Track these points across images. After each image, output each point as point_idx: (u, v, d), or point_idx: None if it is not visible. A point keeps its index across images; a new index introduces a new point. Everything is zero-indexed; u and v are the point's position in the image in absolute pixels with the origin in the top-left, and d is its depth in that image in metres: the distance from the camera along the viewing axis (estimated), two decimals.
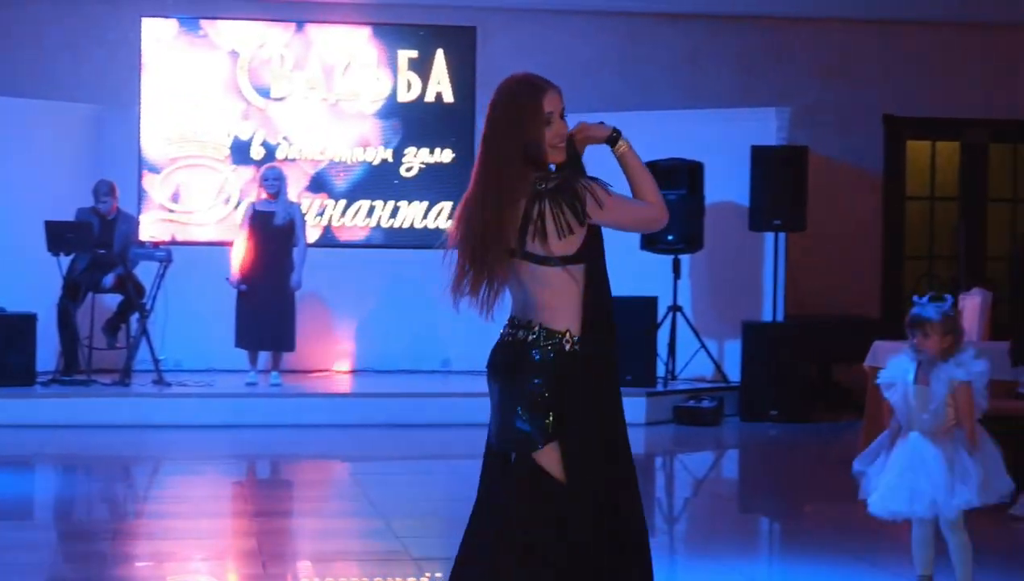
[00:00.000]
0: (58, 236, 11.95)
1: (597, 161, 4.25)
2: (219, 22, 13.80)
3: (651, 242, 12.53)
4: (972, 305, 9.57)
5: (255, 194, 12.80)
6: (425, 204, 14.07)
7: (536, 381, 3.97)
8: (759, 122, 13.09)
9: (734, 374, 12.74)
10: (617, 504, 4.05)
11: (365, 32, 14.04)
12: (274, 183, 12.40)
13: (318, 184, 13.96)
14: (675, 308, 12.68)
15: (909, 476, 5.71)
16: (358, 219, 13.99)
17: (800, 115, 13.43)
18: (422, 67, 14.13)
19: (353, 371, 13.83)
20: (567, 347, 3.99)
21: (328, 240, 13.85)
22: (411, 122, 14.08)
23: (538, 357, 3.99)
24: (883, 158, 14.74)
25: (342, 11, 14.07)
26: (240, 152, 13.82)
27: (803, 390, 12.45)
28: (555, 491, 3.99)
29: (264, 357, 12.53)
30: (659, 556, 5.36)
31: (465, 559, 4.09)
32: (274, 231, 12.32)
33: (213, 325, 13.01)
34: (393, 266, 13.89)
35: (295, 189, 13.44)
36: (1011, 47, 14.82)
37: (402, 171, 14.05)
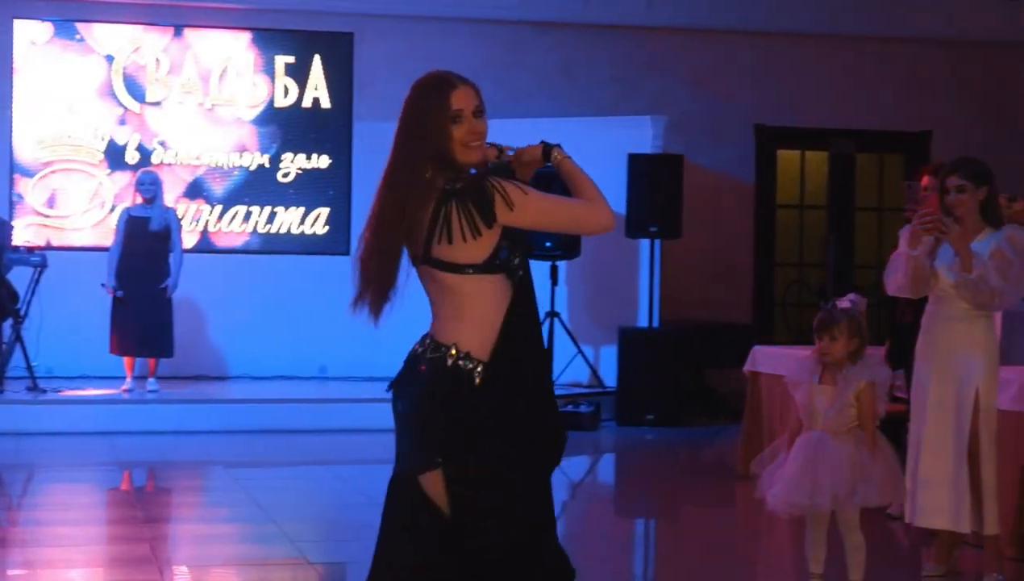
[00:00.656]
0: None
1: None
2: (95, 25, 13.66)
3: (528, 249, 12.59)
4: None
5: (131, 199, 12.69)
6: (302, 210, 14.05)
7: (408, 394, 3.78)
8: (634, 130, 13.26)
9: (610, 379, 12.89)
10: (515, 557, 3.76)
11: (242, 37, 13.99)
12: (150, 188, 12.29)
13: (194, 189, 13.88)
14: (552, 314, 12.80)
15: (811, 469, 5.85)
16: (235, 225, 13.93)
17: (674, 124, 13.63)
18: (299, 73, 14.12)
19: (230, 378, 13.77)
20: (448, 362, 3.72)
21: (205, 245, 13.77)
22: (288, 128, 14.06)
23: (413, 366, 3.78)
24: (754, 167, 15.02)
25: (219, 16, 14.00)
26: (115, 157, 13.69)
27: (678, 395, 12.64)
28: (435, 525, 3.74)
29: (141, 363, 12.42)
30: None
31: None
32: (150, 236, 12.21)
33: (88, 331, 12.87)
34: (270, 272, 13.86)
35: (171, 194, 13.35)
36: (877, 59, 15.18)
37: (279, 177, 14.02)
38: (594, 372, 13.10)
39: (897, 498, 6.11)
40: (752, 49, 14.93)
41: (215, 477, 9.81)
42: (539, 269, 12.61)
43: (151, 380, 12.28)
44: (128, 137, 13.71)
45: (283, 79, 14.07)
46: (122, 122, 13.70)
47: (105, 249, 12.54)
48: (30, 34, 13.52)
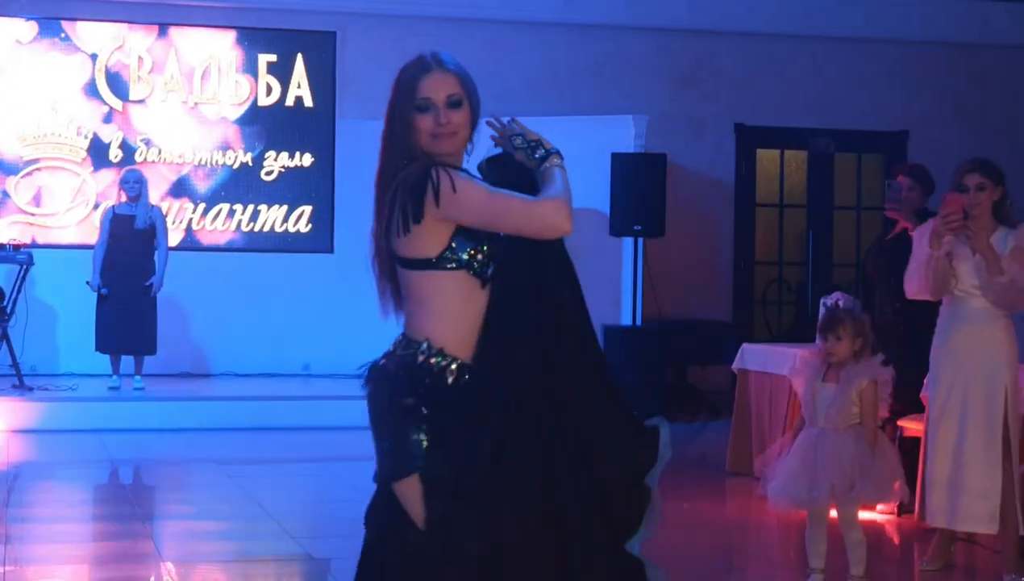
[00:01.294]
0: None
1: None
2: (79, 24, 13.66)
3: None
4: None
5: (115, 197, 12.70)
6: (285, 208, 14.08)
7: (374, 392, 3.53)
8: (616, 129, 13.33)
9: None
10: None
11: (226, 36, 14.01)
12: (135, 186, 12.29)
13: (178, 187, 13.89)
14: None
15: (810, 464, 5.93)
16: (218, 223, 13.95)
17: (654, 123, 13.70)
18: (282, 71, 14.14)
19: (214, 375, 13.78)
20: (420, 359, 3.49)
21: (189, 243, 13.79)
22: (271, 126, 14.08)
23: (384, 365, 3.55)
24: (734, 166, 15.12)
25: (203, 15, 14.01)
26: (99, 154, 13.69)
27: (662, 392, 12.71)
28: (408, 537, 3.48)
29: (126, 361, 12.42)
30: None
31: None
32: (135, 234, 12.21)
33: (72, 329, 12.88)
34: (254, 270, 13.89)
35: (155, 192, 13.35)
36: (856, 60, 15.30)
37: (262, 175, 14.05)
38: None
39: (896, 497, 6.18)
40: (732, 49, 15.03)
41: (209, 474, 9.82)
42: None
43: (136, 378, 12.29)
44: (112, 135, 13.72)
45: (266, 77, 14.10)
46: (106, 120, 13.71)
47: (89, 247, 12.54)
48: (14, 32, 13.51)
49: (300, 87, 14.18)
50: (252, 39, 14.07)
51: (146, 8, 13.85)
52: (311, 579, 6.82)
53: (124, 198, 12.31)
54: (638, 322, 13.01)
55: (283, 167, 14.08)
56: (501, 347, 3.51)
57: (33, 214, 13.59)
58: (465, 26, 14.46)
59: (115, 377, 12.30)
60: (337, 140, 14.13)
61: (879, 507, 7.73)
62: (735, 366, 9.65)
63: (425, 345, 3.49)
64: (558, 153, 3.71)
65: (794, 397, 8.74)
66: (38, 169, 13.60)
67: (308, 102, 14.19)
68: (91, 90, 13.68)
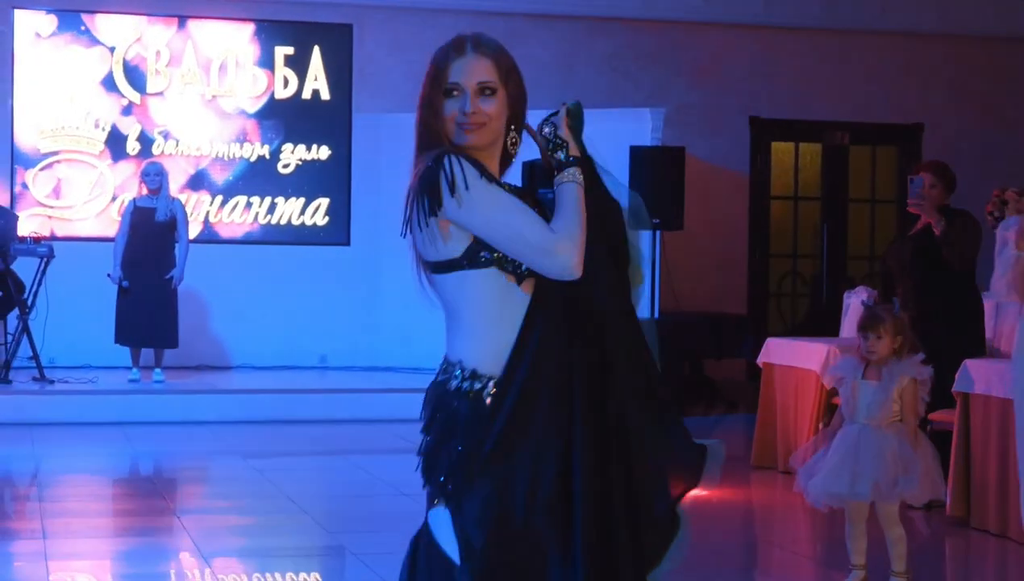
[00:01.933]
0: None
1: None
2: (98, 16, 13.68)
3: None
4: (857, 303, 9.93)
5: (134, 189, 12.72)
6: (302, 201, 14.10)
7: (459, 448, 3.13)
8: (633, 122, 13.35)
9: None
10: None
11: (243, 28, 14.03)
12: (155, 178, 12.31)
13: (196, 180, 13.92)
14: None
15: (851, 460, 5.95)
16: (235, 215, 13.98)
17: (670, 116, 13.73)
18: (299, 64, 14.16)
19: (232, 367, 13.81)
20: (452, 385, 3.17)
21: (207, 236, 13.82)
22: (288, 119, 14.10)
23: (464, 411, 3.15)
24: (749, 159, 15.15)
25: (221, 7, 14.02)
26: (117, 147, 13.72)
27: (680, 385, 12.74)
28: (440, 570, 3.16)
29: (146, 353, 12.45)
30: None
31: None
32: (156, 227, 12.24)
33: (92, 321, 12.91)
34: (271, 262, 13.91)
35: (173, 185, 13.36)
36: (869, 52, 15.33)
37: (279, 167, 14.07)
38: None
39: (936, 495, 6.20)
40: (747, 42, 15.06)
41: (235, 467, 9.85)
42: None
43: (157, 370, 12.32)
44: (130, 128, 13.74)
45: (283, 70, 14.12)
46: (125, 112, 13.73)
47: (109, 239, 12.58)
48: (35, 26, 13.53)
49: (317, 80, 14.20)
50: (269, 32, 14.09)
51: (165, 1, 13.86)
52: (352, 572, 6.84)
53: (145, 191, 12.33)
54: (656, 314, 13.04)
55: (300, 160, 14.10)
56: (538, 355, 3.15)
57: (52, 207, 13.61)
58: (481, 19, 14.45)
59: (135, 370, 12.33)
60: (354, 133, 14.16)
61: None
62: (760, 360, 9.67)
63: (459, 368, 3.17)
64: (579, 165, 3.29)
65: (822, 392, 8.80)
66: (57, 161, 13.62)
67: (325, 95, 14.21)
68: (109, 83, 13.70)
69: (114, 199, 13.57)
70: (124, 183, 13.56)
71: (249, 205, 14.01)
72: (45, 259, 12.26)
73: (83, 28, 13.64)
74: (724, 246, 14.92)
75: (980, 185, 12.08)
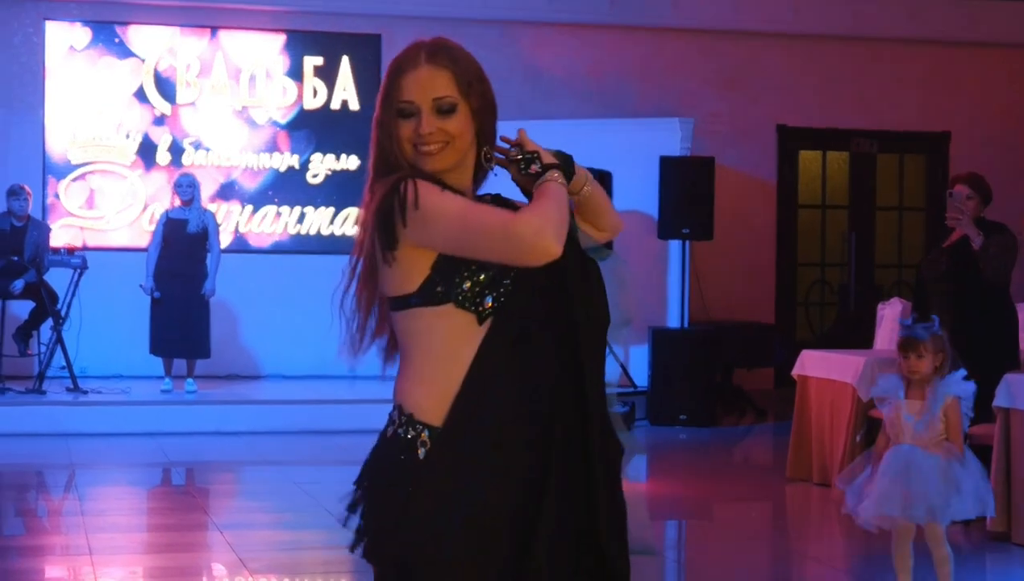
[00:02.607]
0: None
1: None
2: (131, 28, 13.75)
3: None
4: (891, 314, 9.95)
5: (166, 200, 12.78)
6: (331, 210, 14.16)
7: (399, 494, 2.82)
8: (663, 132, 13.38)
9: (640, 379, 13.01)
10: None
11: (272, 39, 14.08)
12: (187, 190, 12.38)
13: (226, 190, 13.98)
14: None
15: (903, 482, 5.95)
16: (265, 225, 14.03)
17: (698, 124, 13.75)
18: (328, 74, 14.21)
19: (263, 377, 13.86)
20: (389, 431, 2.88)
21: (238, 245, 13.87)
22: (317, 129, 14.15)
23: (391, 460, 2.86)
24: (776, 167, 15.17)
25: (251, 18, 14.07)
26: (148, 157, 13.79)
27: (710, 394, 12.76)
28: None
29: (179, 363, 12.51)
30: None
31: None
32: (188, 239, 12.30)
33: (124, 331, 12.96)
34: (300, 271, 13.95)
35: (203, 195, 13.40)
36: (897, 60, 15.34)
37: (309, 177, 14.12)
38: (625, 371, 13.21)
39: (985, 512, 6.20)
40: (775, 50, 15.08)
41: (271, 479, 9.87)
42: None
43: (189, 380, 12.37)
44: (161, 138, 13.81)
45: (312, 80, 14.17)
46: (156, 123, 13.79)
47: (141, 249, 12.64)
48: (69, 39, 13.60)
49: (346, 90, 14.25)
50: (298, 42, 14.15)
51: (197, 12, 13.93)
52: None
53: (177, 202, 12.40)
54: (686, 324, 13.07)
55: (329, 169, 14.15)
56: (484, 405, 2.82)
57: (84, 217, 13.68)
58: (509, 28, 14.52)
59: (167, 380, 12.39)
60: None
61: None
62: (795, 372, 9.68)
63: (397, 411, 2.87)
64: (560, 168, 2.93)
65: (857, 404, 8.81)
66: (89, 172, 13.69)
67: (354, 105, 14.26)
68: (141, 94, 13.76)
69: (145, 209, 13.64)
70: (156, 193, 13.63)
71: (279, 215, 14.07)
72: (79, 271, 12.32)
73: (116, 40, 13.71)
74: (752, 255, 14.94)
75: (1007, 193, 12.08)
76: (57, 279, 12.37)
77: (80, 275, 12.34)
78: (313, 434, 11.54)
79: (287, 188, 14.10)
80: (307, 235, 14.12)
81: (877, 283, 15.05)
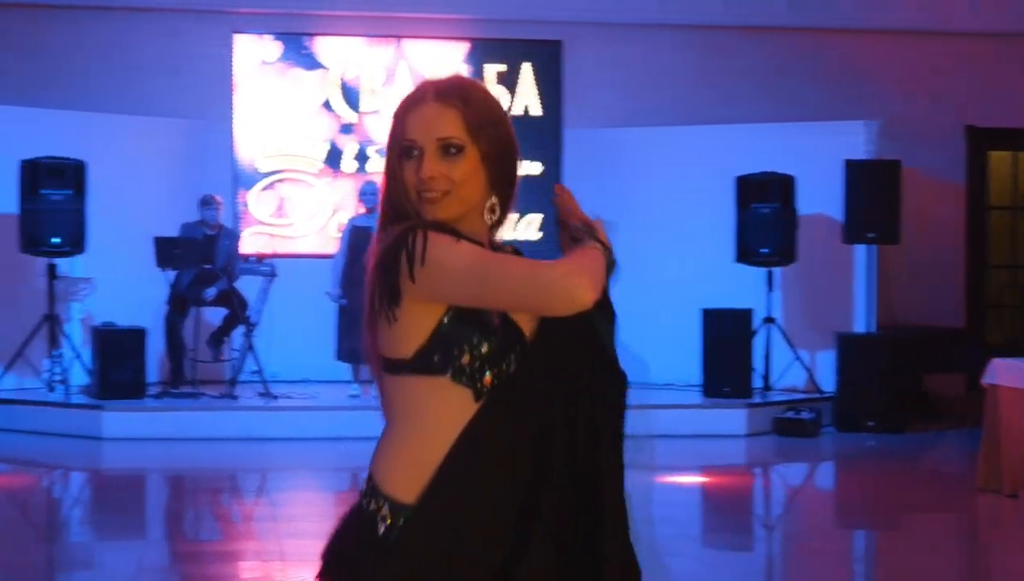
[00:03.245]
0: (167, 252, 12.13)
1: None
2: (319, 39, 14.02)
3: (746, 255, 12.74)
4: None
5: (352, 208, 13.00)
6: (515, 216, 14.22)
7: (352, 572, 2.65)
8: (847, 136, 13.22)
9: (827, 385, 12.87)
10: None
11: (455, 47, 14.24)
12: (372, 198, 12.56)
13: None
14: (769, 320, 12.83)
15: None
16: None
17: (884, 127, 13.56)
18: (510, 81, 14.32)
19: None
20: (360, 503, 2.67)
21: None
22: None
23: (352, 532, 2.68)
24: (965, 169, 14.88)
25: (435, 27, 14.24)
26: (334, 165, 14.05)
27: (898, 400, 12.56)
28: None
29: (366, 369, 12.70)
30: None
31: None
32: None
33: (311, 337, 13.20)
34: None
35: None
36: None
37: None
38: (811, 378, 13.08)
39: None
40: (962, 50, 14.79)
41: None
42: (756, 275, 12.72)
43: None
44: (347, 147, 14.05)
45: (494, 87, 14.29)
46: (342, 131, 14.04)
47: (327, 256, 12.87)
48: (261, 53, 13.91)
49: (527, 96, 14.35)
50: (480, 50, 14.29)
51: (382, 22, 14.12)
52: None
53: (362, 210, 12.60)
54: (873, 329, 12.91)
55: None
56: (461, 489, 2.59)
57: (273, 225, 13.99)
58: (689, 33, 14.47)
59: (355, 385, 12.60)
60: (564, 148, 14.27)
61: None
62: (985, 381, 9.50)
63: (367, 483, 2.66)
64: (608, 251, 2.68)
65: None
66: (278, 181, 14.00)
67: (535, 111, 14.35)
68: (328, 103, 14.02)
69: (333, 216, 13.91)
70: (342, 200, 13.87)
71: None
72: (268, 278, 12.59)
73: (304, 52, 13.98)
74: (941, 258, 14.68)
75: None
76: (248, 286, 12.65)
77: (270, 282, 12.61)
78: None
79: None
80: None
81: None
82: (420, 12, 14.13)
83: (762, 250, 12.67)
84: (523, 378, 2.62)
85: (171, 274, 12.34)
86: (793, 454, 11.59)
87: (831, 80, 14.60)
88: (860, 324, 13.00)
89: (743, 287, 12.86)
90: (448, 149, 2.63)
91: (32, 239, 12.05)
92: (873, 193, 12.62)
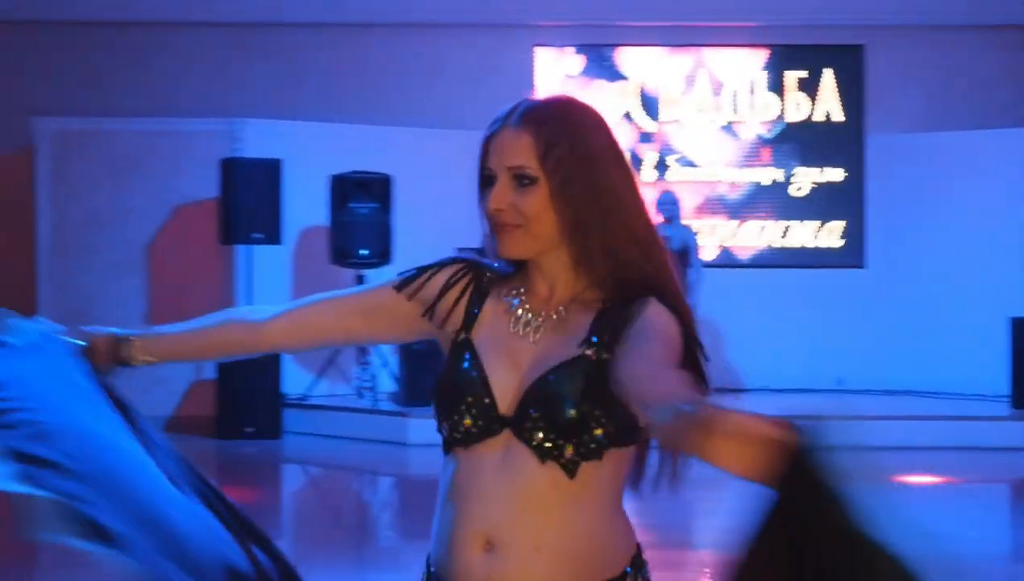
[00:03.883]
0: None
1: None
2: (621, 50, 14.15)
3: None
4: None
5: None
6: (817, 223, 14.10)
7: None
8: None
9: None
10: None
11: (755, 54, 14.17)
12: (669, 208, 12.64)
13: (710, 204, 14.16)
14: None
15: None
16: (748, 239, 14.13)
17: None
18: (810, 87, 14.18)
19: (747, 390, 13.91)
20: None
21: (722, 260, 14.03)
22: (800, 142, 14.14)
23: None
24: None
25: (735, 35, 14.18)
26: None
27: None
28: None
29: None
30: None
31: None
32: (671, 254, 12.50)
33: None
34: (783, 284, 13.95)
35: (687, 208, 13.63)
36: None
37: (792, 190, 14.12)
38: None
39: None
40: None
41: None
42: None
43: None
44: (646, 155, 14.12)
45: (794, 94, 14.16)
46: (641, 140, 14.12)
47: None
48: (560, 64, 14.12)
49: (828, 102, 14.17)
50: (780, 56, 14.19)
51: (683, 31, 14.13)
52: None
53: (660, 219, 12.65)
54: None
55: (813, 182, 14.11)
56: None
57: None
58: (995, 33, 14.04)
59: None
60: (867, 154, 14.05)
61: None
62: None
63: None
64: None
65: None
66: None
67: (837, 117, 14.17)
68: (628, 114, 14.12)
69: None
70: None
71: (763, 228, 14.13)
72: None
73: (606, 63, 14.12)
74: None
75: None
76: None
77: None
78: None
79: (770, 201, 14.14)
80: (790, 248, 14.11)
81: None
82: (720, 20, 14.09)
83: None
84: None
85: None
86: None
87: None
88: None
89: None
90: (523, 178, 2.35)
91: (341, 251, 12.48)
92: None
